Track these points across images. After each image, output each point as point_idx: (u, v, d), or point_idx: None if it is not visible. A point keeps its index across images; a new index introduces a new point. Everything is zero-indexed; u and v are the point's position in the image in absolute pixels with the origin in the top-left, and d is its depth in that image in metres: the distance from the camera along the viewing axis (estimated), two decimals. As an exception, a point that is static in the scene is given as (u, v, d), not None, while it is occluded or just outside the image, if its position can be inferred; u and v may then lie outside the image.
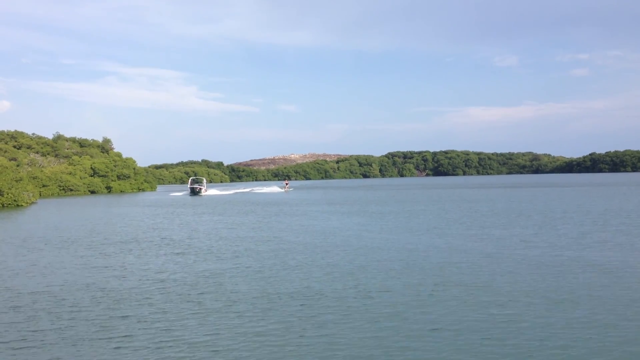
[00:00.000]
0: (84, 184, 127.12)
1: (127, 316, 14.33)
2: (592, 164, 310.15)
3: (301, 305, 15.10)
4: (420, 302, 15.14)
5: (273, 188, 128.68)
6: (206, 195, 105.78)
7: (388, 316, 13.83)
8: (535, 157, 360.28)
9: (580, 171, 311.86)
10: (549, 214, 41.82)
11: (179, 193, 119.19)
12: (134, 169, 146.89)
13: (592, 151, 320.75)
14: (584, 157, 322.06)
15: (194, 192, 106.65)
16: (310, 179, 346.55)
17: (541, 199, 63.21)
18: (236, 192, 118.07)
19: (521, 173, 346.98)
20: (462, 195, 78.87)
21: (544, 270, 19.33)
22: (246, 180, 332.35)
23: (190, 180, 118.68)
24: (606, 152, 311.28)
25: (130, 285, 18.36)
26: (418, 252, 24.25)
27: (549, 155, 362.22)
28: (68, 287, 18.31)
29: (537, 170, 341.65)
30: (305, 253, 24.68)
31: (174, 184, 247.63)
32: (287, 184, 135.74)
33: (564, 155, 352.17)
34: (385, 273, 19.43)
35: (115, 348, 11.84)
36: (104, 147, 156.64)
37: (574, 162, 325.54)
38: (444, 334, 12.39)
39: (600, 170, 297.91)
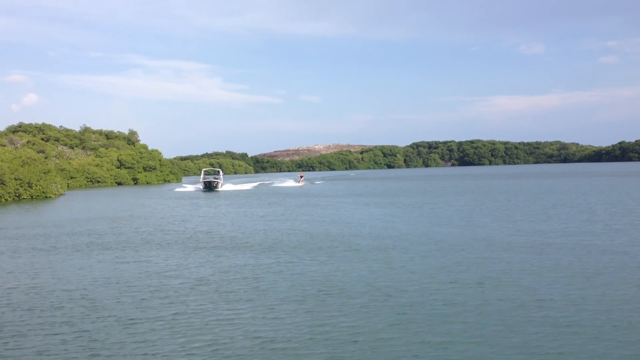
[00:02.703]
0: (110, 175, 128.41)
1: (158, 317, 13.65)
2: (622, 153, 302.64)
3: (338, 307, 14.27)
4: (462, 303, 14.16)
5: (288, 182, 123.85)
6: (223, 190, 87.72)
7: (427, 319, 12.90)
8: (563, 146, 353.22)
9: (609, 160, 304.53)
10: (586, 206, 40.22)
11: (186, 188, 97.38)
12: (160, 160, 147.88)
13: (621, 140, 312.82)
14: (613, 145, 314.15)
15: (209, 186, 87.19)
16: (334, 169, 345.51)
17: (575, 189, 61.33)
18: (253, 186, 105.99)
19: (549, 162, 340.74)
20: (492, 186, 77.17)
21: (595, 267, 18.11)
22: (270, 172, 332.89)
23: (202, 172, 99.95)
24: (635, 141, 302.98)
25: (159, 282, 17.71)
26: (456, 246, 23.17)
27: (577, 144, 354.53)
28: (98, 284, 17.75)
29: (565, 160, 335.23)
30: (340, 247, 23.82)
31: (199, 175, 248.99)
32: (301, 176, 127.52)
33: (592, 144, 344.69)
34: (425, 270, 18.44)
35: (143, 355, 11.14)
36: (130, 139, 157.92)
37: (603, 151, 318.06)
38: (486, 339, 11.42)
39: (630, 159, 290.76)
